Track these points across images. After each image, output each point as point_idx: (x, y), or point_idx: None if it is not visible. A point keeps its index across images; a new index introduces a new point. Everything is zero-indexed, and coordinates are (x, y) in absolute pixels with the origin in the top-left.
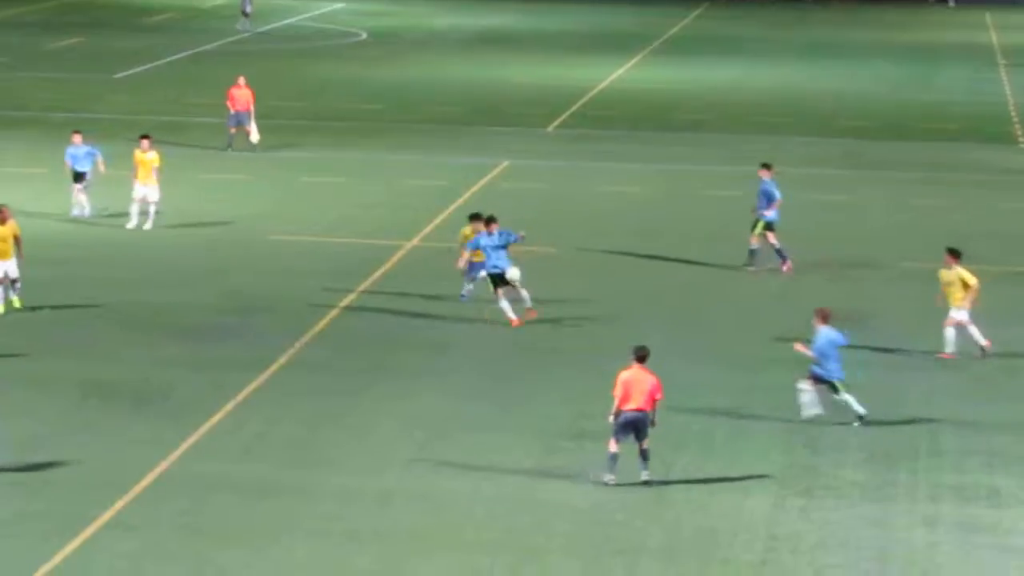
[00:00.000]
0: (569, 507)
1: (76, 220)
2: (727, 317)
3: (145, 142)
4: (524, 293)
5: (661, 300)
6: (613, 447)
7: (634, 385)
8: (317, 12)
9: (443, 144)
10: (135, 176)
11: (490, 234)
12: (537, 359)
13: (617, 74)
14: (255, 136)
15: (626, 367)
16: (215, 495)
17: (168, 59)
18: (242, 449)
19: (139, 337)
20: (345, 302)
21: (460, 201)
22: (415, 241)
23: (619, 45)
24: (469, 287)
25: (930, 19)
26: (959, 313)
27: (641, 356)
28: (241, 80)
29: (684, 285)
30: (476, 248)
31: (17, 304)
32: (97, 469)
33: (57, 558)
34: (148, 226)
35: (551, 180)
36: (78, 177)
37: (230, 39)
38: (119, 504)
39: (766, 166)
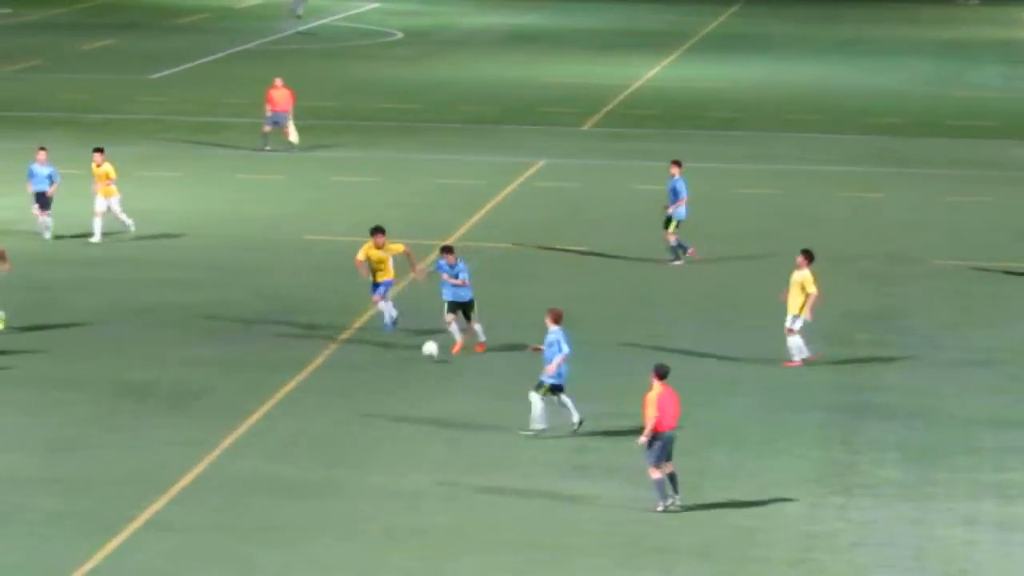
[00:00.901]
0: (602, 505)
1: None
2: (761, 314)
3: (99, 155)
4: (477, 327)
5: (695, 298)
6: (658, 473)
7: (668, 404)
8: (352, 12)
9: (478, 143)
10: (97, 191)
11: (451, 264)
12: (576, 356)
13: (653, 72)
14: (294, 136)
15: (650, 387)
16: (251, 495)
17: (202, 60)
18: (278, 449)
19: (174, 337)
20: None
21: (496, 200)
22: (450, 240)
23: (655, 43)
24: (391, 315)
25: (962, 15)
26: (794, 321)
27: (664, 374)
28: (278, 81)
29: (717, 282)
30: (441, 271)
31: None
32: (134, 469)
33: (96, 557)
34: (96, 239)
35: (586, 179)
36: (40, 198)
37: (264, 39)
38: (157, 504)
39: (676, 163)
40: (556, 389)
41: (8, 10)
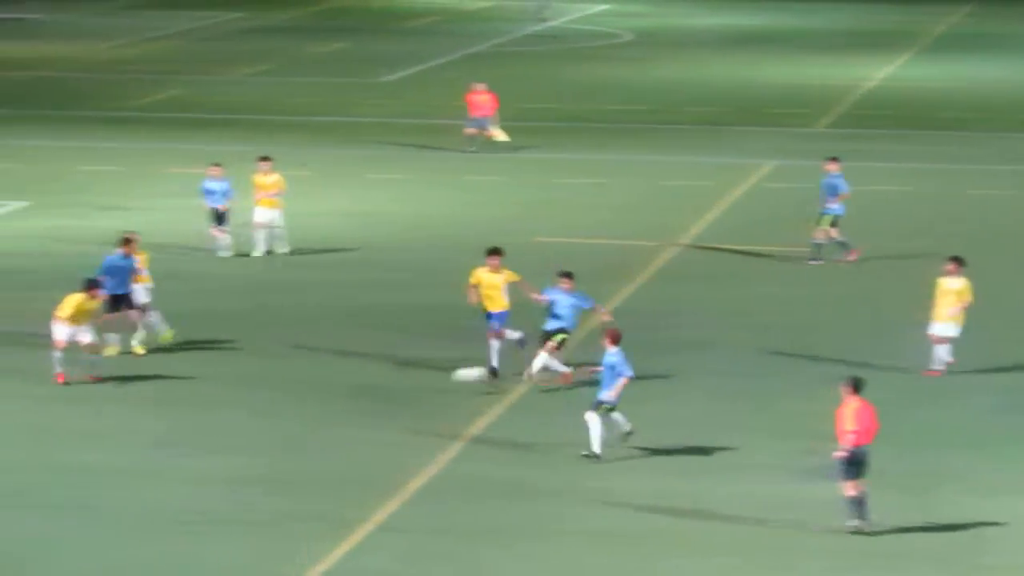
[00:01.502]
0: (828, 509)
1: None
2: (997, 318)
3: (266, 164)
4: (556, 364)
5: (927, 300)
6: (853, 490)
7: (866, 419)
8: (582, 14)
9: (706, 144)
10: (256, 201)
11: (568, 291)
12: (797, 360)
13: (887, 72)
14: (501, 136)
15: (843, 401)
16: (482, 497)
17: (432, 63)
18: (510, 451)
19: (402, 339)
20: (611, 304)
21: (726, 202)
22: (681, 242)
23: (885, 44)
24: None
25: None
26: (945, 327)
27: (858, 387)
28: (479, 86)
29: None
30: (550, 299)
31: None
32: (364, 470)
33: (329, 560)
34: (285, 248)
35: (817, 181)
36: (219, 217)
37: (494, 42)
38: (389, 506)
39: (834, 159)
40: (610, 408)
41: (240, 14)
